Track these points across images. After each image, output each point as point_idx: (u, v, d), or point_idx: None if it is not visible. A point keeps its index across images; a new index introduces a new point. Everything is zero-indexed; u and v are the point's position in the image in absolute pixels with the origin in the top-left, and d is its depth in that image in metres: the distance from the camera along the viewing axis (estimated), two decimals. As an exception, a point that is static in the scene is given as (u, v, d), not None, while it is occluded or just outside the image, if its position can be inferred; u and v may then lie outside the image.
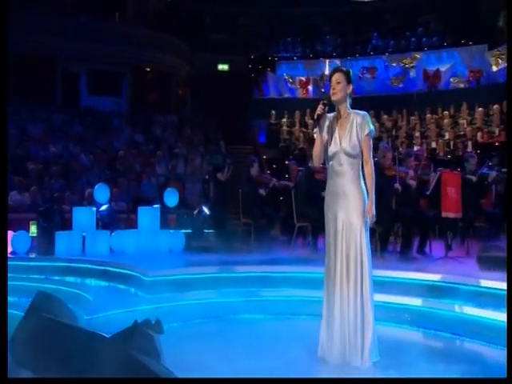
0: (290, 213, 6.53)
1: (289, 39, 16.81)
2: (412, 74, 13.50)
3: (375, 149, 9.02)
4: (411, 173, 5.61)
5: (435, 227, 5.60)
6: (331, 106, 2.95)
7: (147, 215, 6.26)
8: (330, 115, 2.99)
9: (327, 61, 15.27)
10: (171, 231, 6.28)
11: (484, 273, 4.04)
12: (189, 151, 11.85)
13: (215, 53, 16.50)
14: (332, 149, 2.89)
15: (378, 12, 16.65)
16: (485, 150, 10.01)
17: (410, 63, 13.72)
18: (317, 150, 2.94)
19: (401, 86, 13.17)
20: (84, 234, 6.10)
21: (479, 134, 10.94)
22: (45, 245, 6.08)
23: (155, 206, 6.46)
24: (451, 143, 10.76)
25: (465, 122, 11.59)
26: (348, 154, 2.85)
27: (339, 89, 2.89)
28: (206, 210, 6.63)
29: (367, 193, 2.90)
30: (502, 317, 3.31)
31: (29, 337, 2.13)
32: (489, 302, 3.54)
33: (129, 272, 4.75)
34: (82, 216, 6.19)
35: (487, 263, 4.32)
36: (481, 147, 10.37)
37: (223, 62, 16.93)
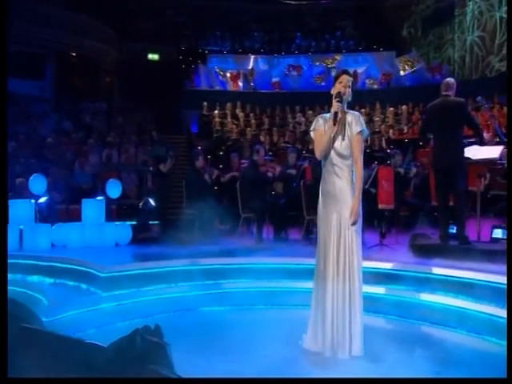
0: (235, 204, 6.46)
1: (218, 33, 16.51)
2: (333, 73, 13.95)
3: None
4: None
5: (373, 218, 5.86)
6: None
7: (92, 207, 5.80)
8: (326, 115, 2.94)
9: (253, 57, 15.27)
10: (117, 223, 5.89)
11: (424, 260, 4.28)
12: (122, 140, 11.17)
13: (145, 42, 15.69)
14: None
15: (301, 13, 16.94)
16: (395, 146, 10.66)
17: (332, 64, 14.18)
18: (324, 145, 2.85)
19: (323, 84, 13.55)
20: (21, 227, 5.49)
21: (391, 131, 11.63)
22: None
23: (99, 197, 5.99)
24: (368, 139, 11.31)
25: (379, 119, 12.27)
26: (340, 155, 2.82)
27: (348, 91, 2.88)
28: (151, 201, 6.31)
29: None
30: (451, 301, 3.58)
31: (18, 353, 1.83)
32: (439, 288, 3.77)
33: (81, 268, 4.36)
34: (19, 209, 5.56)
35: (419, 251, 4.61)
36: (393, 143, 11.03)
37: (153, 52, 16.17)
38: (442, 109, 4.49)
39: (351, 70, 15.04)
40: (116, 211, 7.06)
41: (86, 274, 4.27)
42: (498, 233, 4.76)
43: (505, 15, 13.18)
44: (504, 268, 3.91)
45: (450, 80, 4.64)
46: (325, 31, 16.27)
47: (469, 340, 3.34)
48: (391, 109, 12.54)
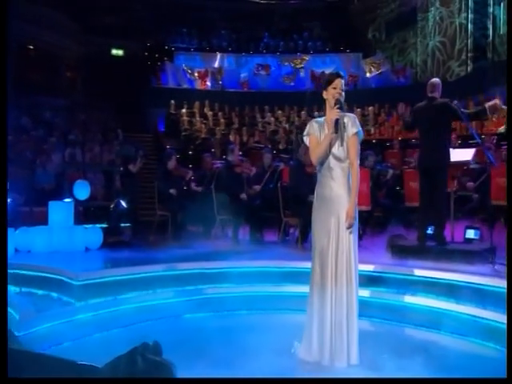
0: (210, 205, 6.32)
1: (185, 30, 16.22)
2: (302, 73, 14.03)
3: (298, 146, 9.12)
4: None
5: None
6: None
7: (59, 210, 5.48)
8: (321, 119, 2.87)
9: (220, 55, 15.12)
10: (87, 227, 5.60)
11: (404, 261, 4.33)
12: (86, 139, 10.72)
13: (108, 36, 15.15)
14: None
15: (269, 13, 16.93)
16: (364, 146, 10.85)
17: (300, 64, 14.26)
18: (322, 152, 2.77)
19: (292, 84, 13.60)
20: (-19, 232, 5.10)
21: (359, 131, 11.83)
22: None
23: (67, 199, 5.68)
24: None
25: (347, 120, 12.45)
26: (337, 158, 2.76)
27: (343, 95, 2.81)
28: (123, 203, 6.05)
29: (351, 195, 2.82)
30: (433, 303, 3.62)
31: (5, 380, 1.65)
32: (419, 290, 3.82)
33: (51, 276, 4.09)
34: (-21, 212, 5.17)
35: (399, 252, 4.67)
36: (361, 144, 11.21)
37: (117, 47, 15.66)
38: (428, 110, 4.54)
39: (319, 72, 15.14)
40: (84, 214, 6.74)
41: (58, 282, 4.01)
42: (471, 233, 4.89)
43: (464, 21, 13.72)
44: (482, 269, 4.04)
45: (436, 81, 4.70)
46: (293, 31, 16.35)
47: (453, 341, 3.38)
48: (358, 110, 12.74)
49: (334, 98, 2.77)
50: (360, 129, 2.81)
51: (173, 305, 4.01)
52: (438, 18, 14.31)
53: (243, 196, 5.97)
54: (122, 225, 6.13)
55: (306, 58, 14.47)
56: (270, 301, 4.12)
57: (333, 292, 2.66)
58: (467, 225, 5.08)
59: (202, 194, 6.46)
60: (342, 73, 2.92)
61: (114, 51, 15.54)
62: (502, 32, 13.25)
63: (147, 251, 5.41)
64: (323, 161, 2.76)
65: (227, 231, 6.56)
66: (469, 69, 13.35)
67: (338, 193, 2.74)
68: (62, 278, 3.95)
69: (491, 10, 13.45)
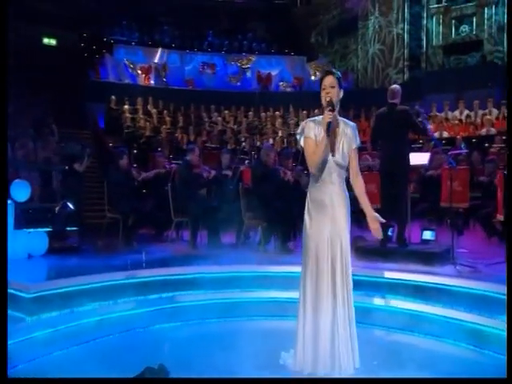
0: (165, 207, 6.03)
1: (124, 22, 15.48)
2: (248, 74, 13.99)
3: (259, 149, 8.97)
4: (288, 172, 5.76)
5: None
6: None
7: (-3, 213, 4.90)
8: (318, 118, 2.75)
9: (164, 51, 14.63)
10: (30, 231, 5.07)
11: (368, 263, 4.38)
12: (16, 134, 9.80)
13: (40, 24, 14.03)
14: None
15: (213, 11, 16.69)
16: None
17: (246, 64, 14.19)
18: (319, 157, 2.63)
19: (238, 84, 13.50)
20: None
21: (306, 134, 12.02)
22: None
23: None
24: (285, 140, 11.55)
25: (293, 122, 12.59)
26: (339, 165, 2.67)
27: (333, 93, 2.64)
28: (70, 205, 5.56)
29: (362, 203, 2.74)
30: (403, 304, 3.69)
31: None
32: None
33: (-5, 289, 3.62)
34: None
35: (362, 254, 4.73)
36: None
37: (49, 36, 14.56)
38: (388, 116, 4.66)
39: (265, 73, 15.21)
40: (26, 217, 6.12)
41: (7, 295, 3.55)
42: (428, 234, 5.10)
43: (401, 31, 14.49)
44: (445, 269, 4.20)
45: (396, 87, 4.83)
46: (237, 31, 16.24)
47: (426, 343, 3.46)
48: (304, 112, 12.96)
49: (324, 99, 2.67)
50: (359, 140, 2.76)
51: (137, 316, 3.73)
52: (377, 26, 14.97)
53: (202, 197, 5.75)
54: (68, 228, 5.65)
55: (253, 58, 14.44)
56: (241, 307, 3.98)
57: (329, 302, 2.58)
58: (424, 226, 5.28)
59: (157, 195, 6.14)
60: (331, 70, 2.82)
61: (46, 40, 14.43)
62: (434, 43, 14.19)
63: (99, 257, 5.04)
64: (323, 166, 2.66)
65: (183, 234, 6.31)
66: (405, 77, 14.12)
67: (337, 199, 2.66)
68: (10, 291, 3.50)
69: (425, 22, 14.36)
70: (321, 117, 2.73)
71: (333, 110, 2.59)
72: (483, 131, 10.14)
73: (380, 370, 2.78)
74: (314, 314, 2.61)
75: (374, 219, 2.68)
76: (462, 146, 8.62)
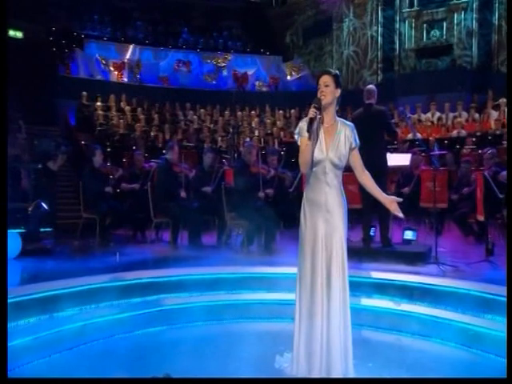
0: (145, 207, 5.87)
1: (96, 17, 15.06)
2: (224, 73, 13.87)
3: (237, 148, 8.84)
4: (272, 170, 5.71)
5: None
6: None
7: (-35, 214, 4.62)
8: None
9: (137, 47, 14.32)
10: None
11: (352, 263, 4.37)
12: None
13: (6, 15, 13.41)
14: (317, 156, 2.60)
15: (188, 8, 16.47)
16: (289, 148, 11.04)
17: (222, 63, 14.07)
18: (307, 156, 2.57)
19: (214, 82, 13.36)
20: None
21: (282, 133, 12.03)
22: None
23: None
24: (262, 140, 11.52)
25: (270, 121, 12.58)
26: (334, 164, 2.62)
27: (328, 92, 2.59)
28: (44, 205, 5.32)
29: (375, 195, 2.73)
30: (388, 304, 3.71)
31: None
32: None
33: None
34: None
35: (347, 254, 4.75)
36: (286, 145, 11.41)
37: (15, 29, 13.95)
38: (365, 117, 4.67)
39: (241, 72, 15.12)
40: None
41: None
42: (409, 234, 5.17)
43: (375, 34, 14.74)
44: (429, 269, 4.27)
45: (371, 88, 4.86)
46: (212, 29, 16.10)
47: (413, 342, 3.49)
48: (280, 112, 12.98)
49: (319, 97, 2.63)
50: (358, 140, 2.73)
51: (121, 320, 3.59)
52: (351, 28, 15.16)
53: (183, 196, 5.63)
54: (42, 229, 5.41)
55: (229, 57, 14.33)
56: (228, 310, 3.90)
57: (324, 304, 2.53)
58: (405, 226, 5.36)
59: (136, 195, 5.98)
60: (328, 69, 2.78)
61: (12, 32, 13.82)
62: (407, 47, 14.50)
63: (75, 260, 4.86)
64: (316, 164, 2.61)
65: (162, 235, 6.17)
66: (379, 78, 14.36)
67: (332, 199, 2.62)
68: (-16, 297, 3.29)
69: (398, 26, 14.65)
70: (318, 116, 2.69)
71: (318, 108, 2.55)
72: (454, 133, 10.43)
73: (366, 370, 2.77)
74: (308, 318, 2.56)
75: (390, 201, 2.69)
76: (436, 147, 8.85)
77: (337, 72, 2.72)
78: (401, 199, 2.73)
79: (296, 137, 2.69)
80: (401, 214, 2.68)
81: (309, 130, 2.56)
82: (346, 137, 2.66)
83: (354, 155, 2.70)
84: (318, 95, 2.65)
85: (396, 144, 8.49)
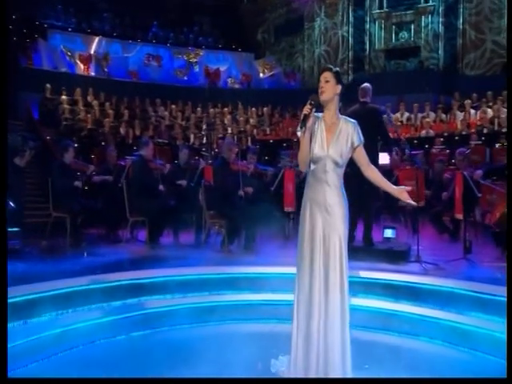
0: (120, 205, 5.64)
1: (60, 6, 14.43)
2: (196, 68, 13.63)
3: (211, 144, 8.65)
4: (251, 167, 5.63)
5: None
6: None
7: None
8: (318, 115, 2.60)
9: (104, 40, 13.85)
10: (-36, 233, 4.47)
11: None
12: None
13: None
14: (317, 153, 2.52)
15: (157, 0, 16.08)
16: (262, 146, 10.99)
17: (194, 58, 13.82)
18: (304, 154, 2.51)
19: (185, 78, 13.11)
20: None
21: (255, 131, 11.96)
22: None
23: None
24: (235, 137, 11.40)
25: (243, 119, 12.48)
26: (335, 162, 2.54)
27: (328, 88, 2.52)
28: (10, 203, 5.00)
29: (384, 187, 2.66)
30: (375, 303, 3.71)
31: None
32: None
33: None
34: None
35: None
36: (259, 143, 11.35)
37: (-29, 15, 13.17)
38: (359, 115, 4.65)
39: (213, 68, 14.88)
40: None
41: None
42: (389, 233, 5.22)
43: (346, 34, 14.92)
44: (411, 267, 4.32)
45: (367, 86, 4.87)
46: (183, 24, 15.79)
47: (402, 341, 3.50)
48: (253, 109, 12.90)
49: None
50: (362, 137, 2.66)
51: (102, 325, 3.41)
52: (323, 28, 15.28)
53: (161, 189, 5.45)
54: (9, 229, 5.08)
55: (200, 52, 14.10)
56: (213, 311, 3.79)
57: (322, 305, 2.47)
58: (385, 225, 5.41)
59: (110, 192, 5.74)
60: (329, 66, 2.72)
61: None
62: (376, 47, 14.76)
63: (47, 261, 4.60)
64: (316, 162, 2.54)
65: (138, 234, 5.96)
66: (349, 78, 14.55)
67: (330, 199, 2.55)
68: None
69: (368, 26, 14.90)
70: (320, 114, 2.63)
71: (313, 104, 2.50)
72: (423, 133, 10.70)
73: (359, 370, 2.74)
74: (306, 319, 2.50)
75: (400, 191, 2.62)
76: (406, 146, 9.05)
77: (337, 69, 2.67)
78: (410, 188, 2.68)
79: (299, 134, 2.61)
80: (413, 202, 2.65)
81: (302, 126, 2.50)
82: (348, 134, 2.60)
83: (359, 151, 2.63)
84: (319, 91, 2.59)
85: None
